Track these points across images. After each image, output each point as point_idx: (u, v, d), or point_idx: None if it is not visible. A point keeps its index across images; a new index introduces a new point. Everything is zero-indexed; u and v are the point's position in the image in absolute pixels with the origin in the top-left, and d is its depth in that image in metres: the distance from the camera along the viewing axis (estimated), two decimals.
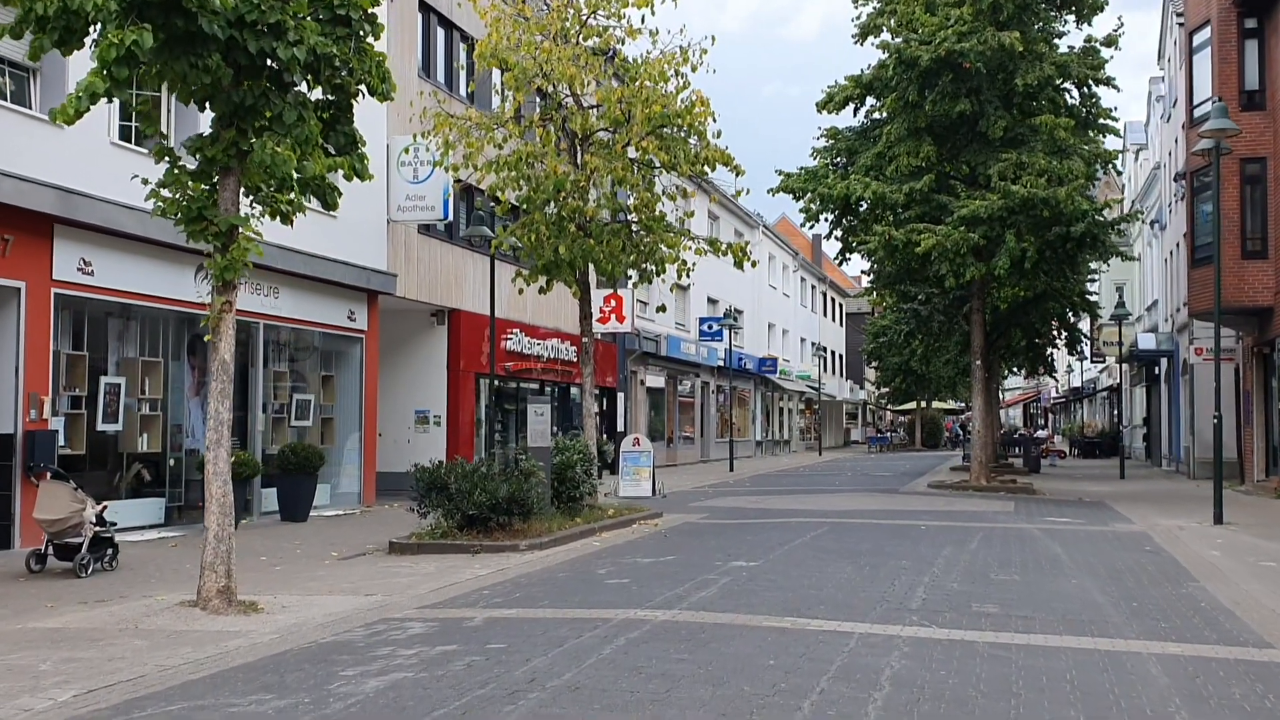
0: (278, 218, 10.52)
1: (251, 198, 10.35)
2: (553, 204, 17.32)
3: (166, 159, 9.89)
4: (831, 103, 27.04)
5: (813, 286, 67.05)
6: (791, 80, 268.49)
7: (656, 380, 40.37)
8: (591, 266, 18.32)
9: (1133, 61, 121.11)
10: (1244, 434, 27.46)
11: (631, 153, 18.36)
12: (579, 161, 17.71)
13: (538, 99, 18.97)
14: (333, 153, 10.36)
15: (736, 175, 18.57)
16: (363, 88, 10.35)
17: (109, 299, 14.91)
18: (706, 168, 18.31)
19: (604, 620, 8.90)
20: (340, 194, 10.78)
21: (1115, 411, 57.35)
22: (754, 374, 52.17)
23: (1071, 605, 9.91)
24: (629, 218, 18.24)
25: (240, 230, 9.78)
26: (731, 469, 37.36)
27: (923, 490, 27.22)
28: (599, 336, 33.46)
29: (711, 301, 45.49)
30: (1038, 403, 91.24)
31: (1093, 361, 54.48)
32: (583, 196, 17.20)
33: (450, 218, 21.61)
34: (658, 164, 17.72)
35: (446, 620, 9.11)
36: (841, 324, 76.76)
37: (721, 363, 43.32)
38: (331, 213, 18.79)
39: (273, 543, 15.10)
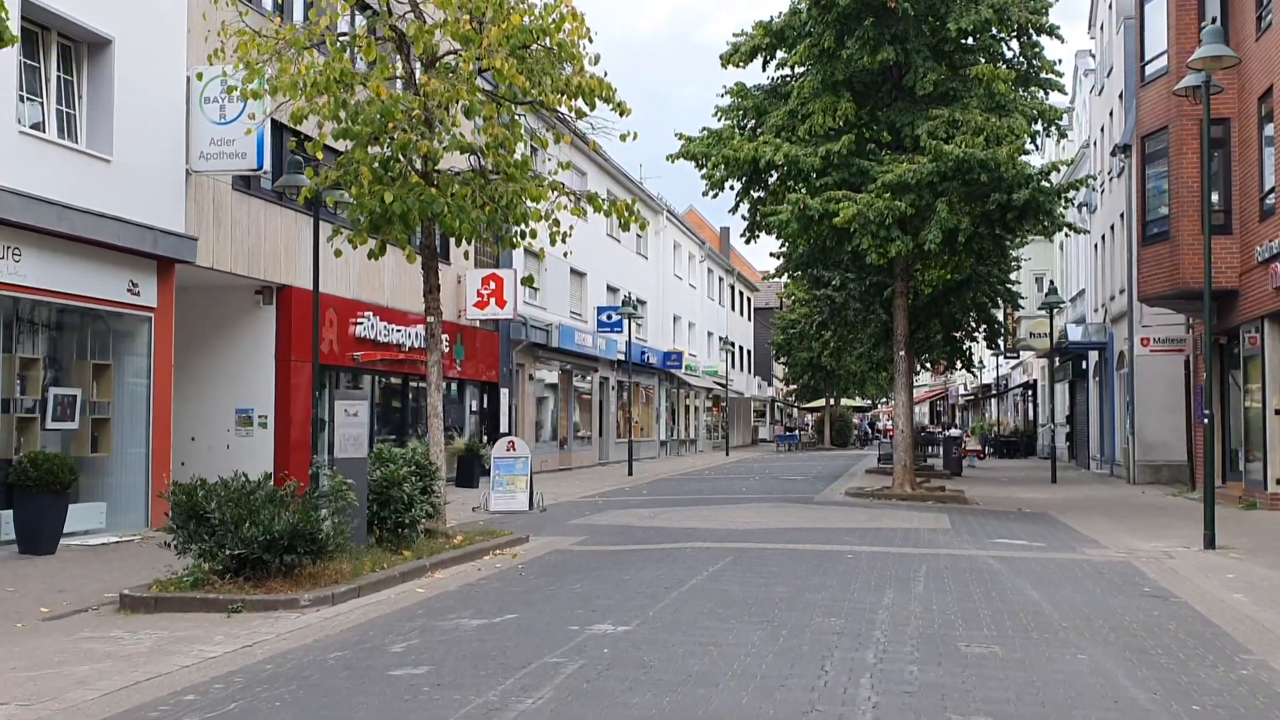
0: None
1: None
2: (381, 141, 13.39)
3: None
4: (737, 54, 23.43)
5: (720, 279, 63.76)
6: (708, 84, 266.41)
7: (549, 375, 36.49)
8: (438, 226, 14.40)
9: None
10: (1195, 434, 24.67)
11: (489, 84, 14.56)
12: (415, 87, 13.78)
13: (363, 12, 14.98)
14: None
15: (621, 114, 14.79)
16: None
17: None
18: (582, 103, 14.51)
19: None
20: None
21: (1031, 409, 55.12)
22: (658, 369, 48.50)
23: (1105, 714, 6.36)
24: (482, 162, 14.36)
25: None
26: (630, 473, 33.62)
27: (840, 499, 23.79)
28: (476, 323, 29.55)
29: (611, 290, 41.74)
30: (945, 400, 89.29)
31: (1008, 356, 52.01)
32: (418, 130, 13.25)
33: (267, 168, 17.40)
34: (518, 93, 13.91)
35: None
36: (750, 319, 73.61)
37: (622, 356, 39.57)
38: (103, 155, 14.80)
39: None
